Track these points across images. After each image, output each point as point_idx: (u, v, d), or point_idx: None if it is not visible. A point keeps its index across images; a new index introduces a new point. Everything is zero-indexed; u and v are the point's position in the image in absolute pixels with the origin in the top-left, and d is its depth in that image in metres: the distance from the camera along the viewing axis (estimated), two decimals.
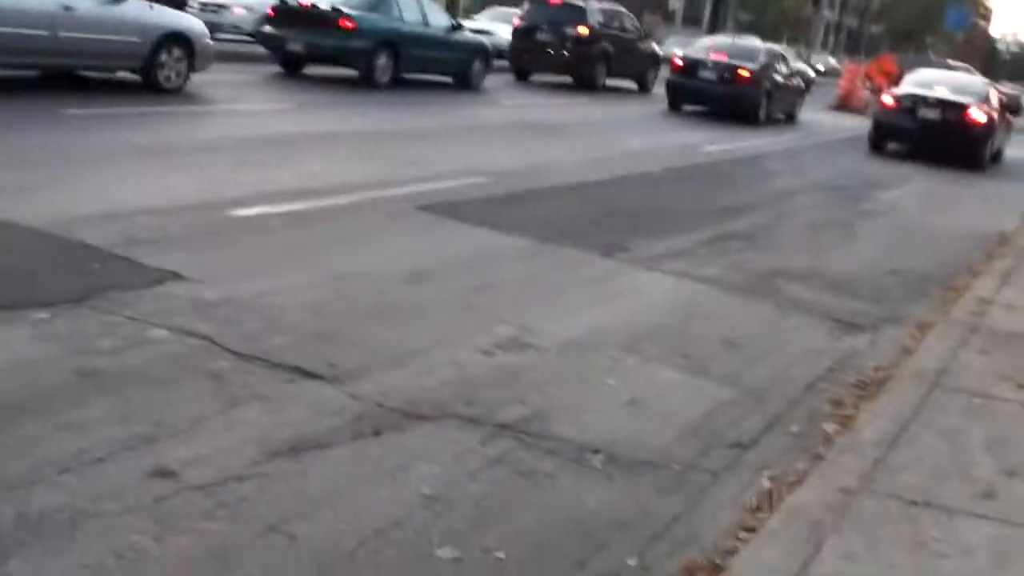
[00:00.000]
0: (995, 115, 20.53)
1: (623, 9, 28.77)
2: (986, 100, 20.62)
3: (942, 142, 19.90)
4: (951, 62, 38.15)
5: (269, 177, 9.63)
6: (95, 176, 8.73)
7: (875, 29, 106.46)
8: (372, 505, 3.93)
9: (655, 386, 5.63)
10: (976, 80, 23.60)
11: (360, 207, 8.94)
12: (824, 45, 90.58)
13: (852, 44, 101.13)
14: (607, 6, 27.51)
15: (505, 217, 9.23)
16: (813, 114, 28.22)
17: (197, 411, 4.51)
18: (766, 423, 5.37)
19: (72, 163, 9.08)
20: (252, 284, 6.35)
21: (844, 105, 33.35)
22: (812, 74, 41.99)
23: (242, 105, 14.70)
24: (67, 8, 12.21)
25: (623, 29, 27.27)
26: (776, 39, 74.27)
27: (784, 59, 26.58)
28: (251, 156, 10.63)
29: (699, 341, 6.55)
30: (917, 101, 20.11)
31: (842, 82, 35.22)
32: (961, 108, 19.83)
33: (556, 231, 8.99)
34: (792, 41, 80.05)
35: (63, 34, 12.25)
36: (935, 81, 21.71)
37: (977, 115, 19.79)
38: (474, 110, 18.37)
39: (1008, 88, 46.78)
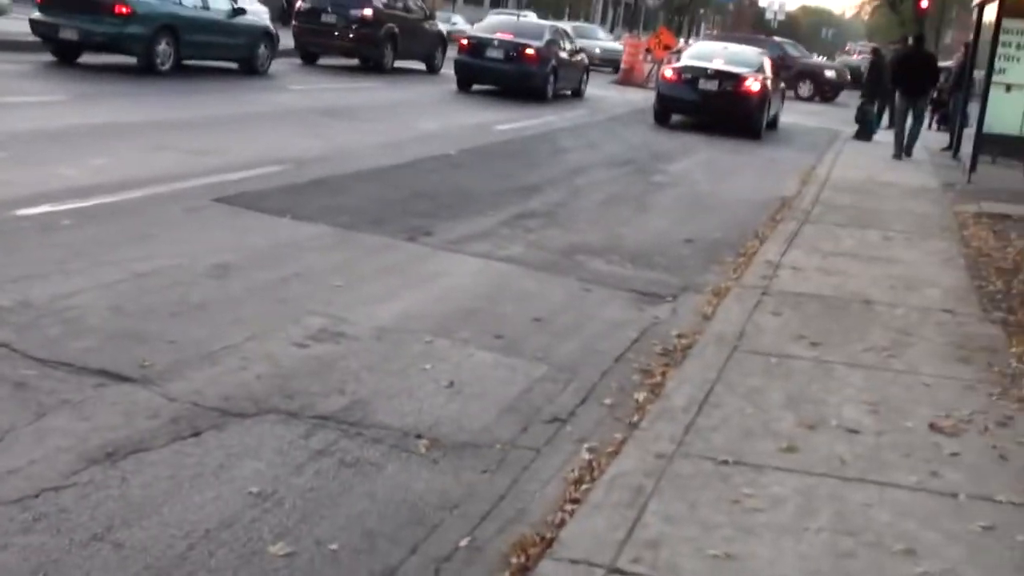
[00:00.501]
0: (770, 84, 21.47)
1: None
2: (761, 69, 21.53)
3: (722, 112, 20.73)
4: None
5: (53, 173, 9.24)
6: None
7: (651, 2, 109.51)
8: (199, 507, 3.87)
9: (471, 368, 5.71)
10: (750, 51, 24.52)
11: (153, 201, 8.69)
12: (604, 19, 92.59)
13: (630, 18, 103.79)
14: None
15: (306, 206, 9.13)
16: (598, 89, 28.85)
17: (3, 422, 4.34)
18: (581, 397, 5.52)
19: None
20: (47, 287, 6.12)
21: (627, 79, 34.21)
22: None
23: (15, 97, 13.99)
24: None
25: (408, 10, 27.15)
26: (557, 15, 75.72)
27: (568, 36, 27.08)
28: (30, 152, 10.18)
29: (509, 320, 6.66)
30: (697, 73, 20.84)
31: (624, 56, 36.06)
32: (738, 78, 20.65)
33: (359, 218, 8.97)
34: (573, 17, 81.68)
35: None
36: (713, 54, 22.54)
37: (753, 84, 20.65)
38: (263, 96, 18.02)
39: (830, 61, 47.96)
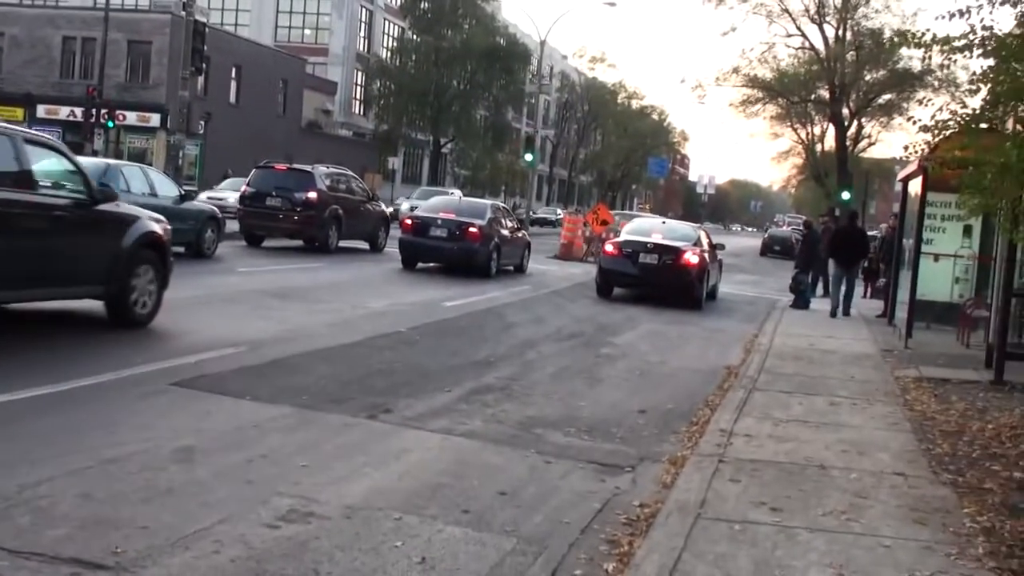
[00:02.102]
0: (707, 256, 22.09)
1: (349, 172, 29.42)
2: (698, 243, 22.19)
3: (663, 284, 21.25)
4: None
5: (5, 362, 9.29)
6: None
7: (584, 179, 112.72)
8: None
9: (441, 543, 5.76)
10: (686, 225, 25.40)
11: (111, 387, 8.74)
12: (539, 196, 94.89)
13: (564, 193, 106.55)
14: (334, 170, 28.04)
15: (265, 387, 9.23)
16: (539, 264, 29.43)
17: None
18: (551, 569, 5.60)
19: None
20: (14, 476, 6.13)
21: (567, 254, 35.00)
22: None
23: None
24: None
25: (351, 191, 27.80)
26: (494, 192, 77.59)
27: (509, 213, 27.80)
28: None
29: (475, 495, 6.74)
30: (637, 248, 21.41)
31: (564, 232, 36.98)
32: (676, 252, 21.25)
33: (318, 397, 9.07)
34: (510, 193, 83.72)
35: None
36: (651, 229, 23.27)
37: (691, 257, 21.25)
38: (212, 279, 18.19)
39: None
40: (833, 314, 20.90)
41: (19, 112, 52.44)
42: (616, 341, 15.17)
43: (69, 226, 10.87)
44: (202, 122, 49.87)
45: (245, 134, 53.74)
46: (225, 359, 10.40)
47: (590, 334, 15.76)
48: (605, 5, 60.39)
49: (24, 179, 10.22)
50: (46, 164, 10.92)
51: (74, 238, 10.95)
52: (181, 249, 21.07)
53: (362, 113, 76.52)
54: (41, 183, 10.57)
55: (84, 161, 21.25)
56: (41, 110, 52.43)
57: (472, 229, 23.56)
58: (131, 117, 49.87)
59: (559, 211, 72.42)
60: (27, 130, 11.92)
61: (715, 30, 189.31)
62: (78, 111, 46.45)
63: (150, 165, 31.90)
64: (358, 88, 76.62)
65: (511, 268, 26.04)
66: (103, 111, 43.69)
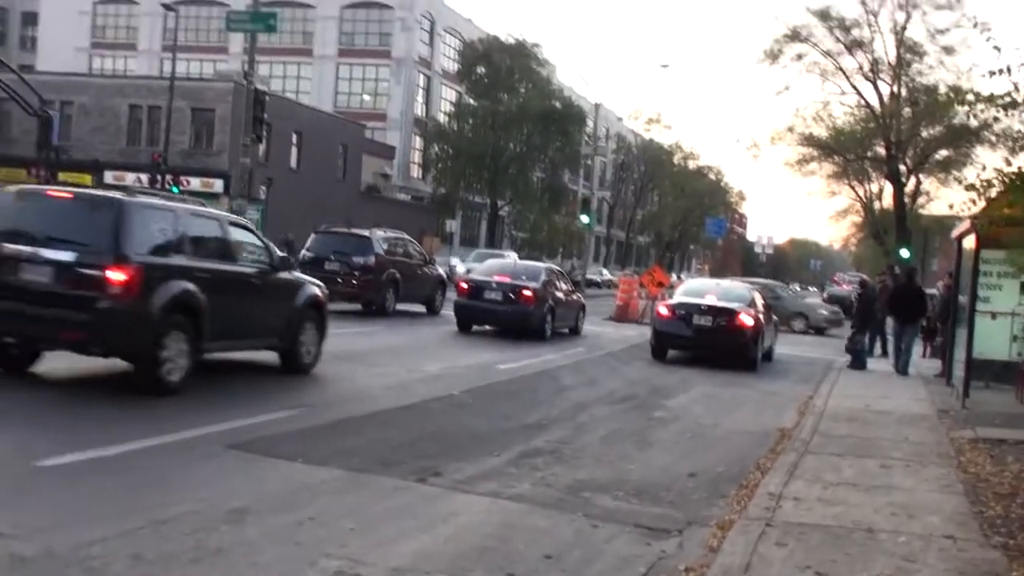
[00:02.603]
0: (762, 317, 22.03)
1: (406, 236, 29.77)
2: (752, 304, 22.15)
3: (717, 346, 21.22)
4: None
5: (69, 426, 9.53)
6: None
7: (642, 240, 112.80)
8: None
9: None
10: (741, 286, 25.39)
11: (170, 449, 8.94)
12: (596, 258, 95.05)
13: (622, 255, 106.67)
14: (391, 234, 28.39)
15: (318, 450, 9.38)
16: (594, 326, 29.49)
17: None
18: None
19: None
20: (70, 535, 6.31)
21: (622, 316, 35.02)
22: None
23: None
24: None
25: (408, 255, 28.14)
26: (551, 254, 77.89)
27: (563, 276, 27.93)
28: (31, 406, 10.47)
29: (521, 559, 6.80)
30: (691, 309, 21.43)
31: (619, 294, 37.05)
32: (731, 313, 21.24)
33: (369, 460, 9.20)
34: (567, 255, 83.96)
35: None
36: (705, 290, 23.26)
37: (746, 319, 21.22)
38: None
39: None
40: (895, 369, 21.19)
41: (87, 178, 53.60)
42: (669, 404, 15.17)
43: (258, 290, 13.37)
44: (263, 187, 50.70)
45: (306, 199, 54.57)
46: (281, 421, 10.59)
47: (643, 396, 15.78)
48: (659, 67, 60.75)
49: (228, 253, 12.80)
50: (241, 239, 13.29)
51: (262, 300, 13.45)
52: None
53: (420, 177, 77.43)
54: (239, 256, 13.04)
55: None
56: (108, 176, 53.57)
57: (527, 292, 23.74)
58: (195, 183, 50.85)
59: (604, 271, 72.86)
60: (228, 214, 14.63)
61: (769, 89, 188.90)
62: (144, 177, 47.50)
63: None
64: (416, 152, 77.64)
65: (566, 330, 26.12)
66: (168, 177, 44.70)
